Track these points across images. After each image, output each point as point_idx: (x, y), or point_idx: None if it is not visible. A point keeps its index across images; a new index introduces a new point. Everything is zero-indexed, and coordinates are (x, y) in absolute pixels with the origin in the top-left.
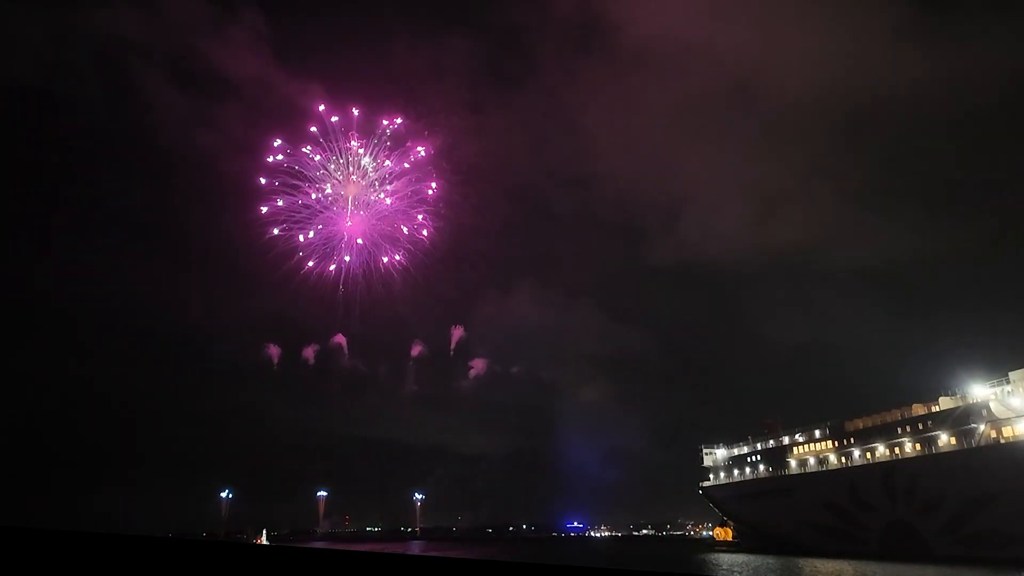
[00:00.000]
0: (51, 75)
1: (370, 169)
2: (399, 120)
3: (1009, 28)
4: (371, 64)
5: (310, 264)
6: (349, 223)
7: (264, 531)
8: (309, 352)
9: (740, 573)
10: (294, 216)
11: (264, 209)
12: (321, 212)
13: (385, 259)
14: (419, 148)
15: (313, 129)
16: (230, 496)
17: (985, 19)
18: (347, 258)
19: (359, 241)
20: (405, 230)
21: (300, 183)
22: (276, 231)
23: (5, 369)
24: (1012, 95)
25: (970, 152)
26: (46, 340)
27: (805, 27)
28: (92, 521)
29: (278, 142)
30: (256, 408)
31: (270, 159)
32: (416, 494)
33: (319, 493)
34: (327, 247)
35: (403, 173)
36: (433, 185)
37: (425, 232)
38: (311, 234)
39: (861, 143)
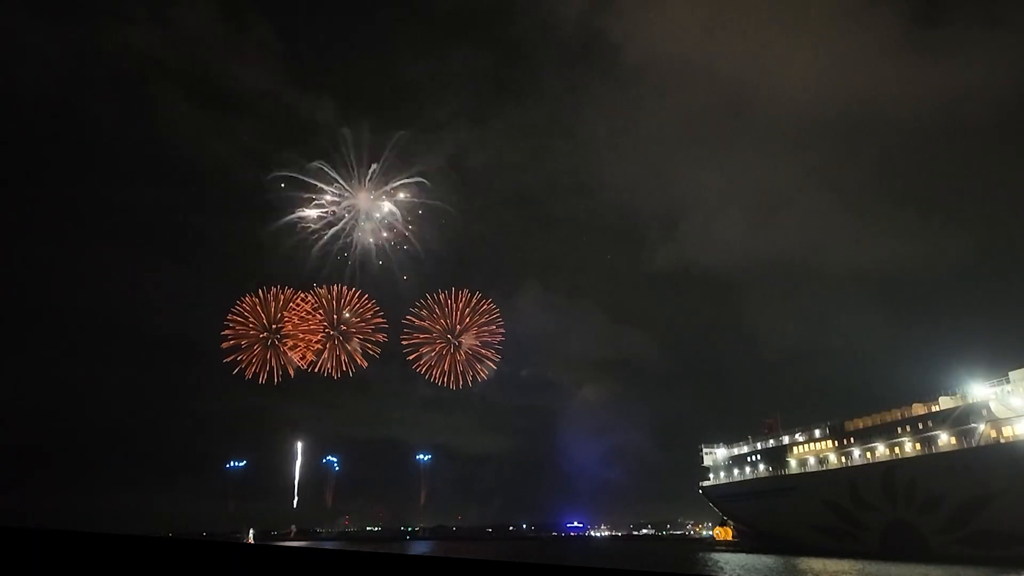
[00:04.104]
0: (70, 88)
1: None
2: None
3: (999, 43)
4: (378, 77)
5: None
6: (359, 228)
7: (251, 531)
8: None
9: (740, 573)
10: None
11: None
12: (332, 222)
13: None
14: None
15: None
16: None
17: (975, 35)
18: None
19: (371, 240)
20: (418, 245)
21: (312, 196)
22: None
23: (7, 369)
24: (1002, 107)
25: (962, 160)
26: (48, 341)
27: (799, 41)
28: (91, 521)
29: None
30: (259, 409)
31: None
32: (417, 494)
33: (322, 493)
34: (340, 244)
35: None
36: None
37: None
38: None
39: (855, 152)
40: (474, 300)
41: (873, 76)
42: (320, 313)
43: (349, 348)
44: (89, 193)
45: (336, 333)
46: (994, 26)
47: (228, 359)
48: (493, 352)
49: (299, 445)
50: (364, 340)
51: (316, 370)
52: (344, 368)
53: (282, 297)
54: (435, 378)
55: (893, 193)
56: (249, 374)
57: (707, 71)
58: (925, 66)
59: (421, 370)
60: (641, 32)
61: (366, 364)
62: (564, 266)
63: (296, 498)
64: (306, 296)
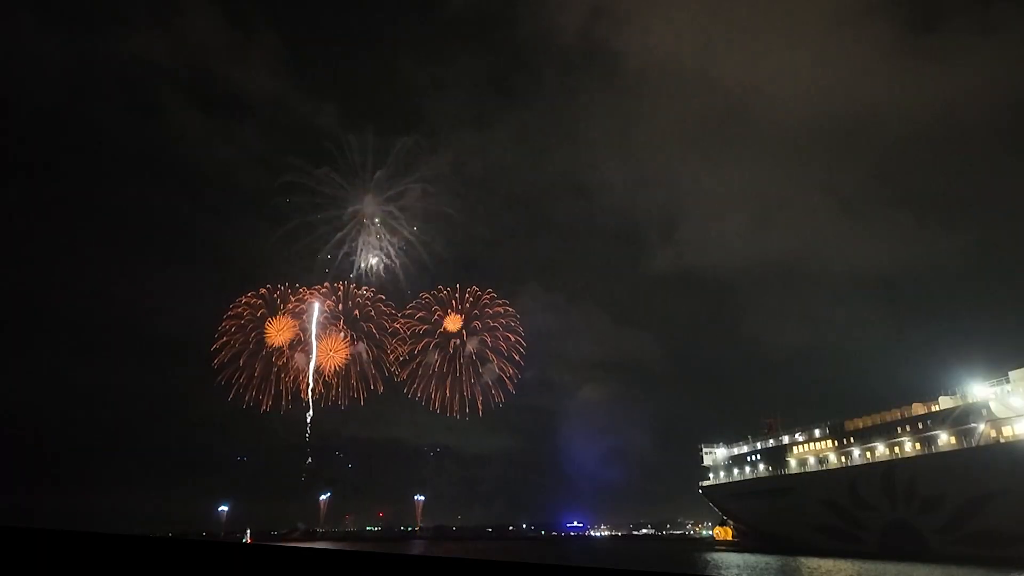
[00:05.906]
0: (77, 94)
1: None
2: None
3: (993, 48)
4: (382, 83)
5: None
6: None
7: (248, 531)
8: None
9: (740, 573)
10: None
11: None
12: (336, 227)
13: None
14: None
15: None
16: (226, 509)
17: (970, 40)
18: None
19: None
20: (421, 249)
21: (316, 201)
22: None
23: (10, 369)
24: (998, 110)
25: (959, 163)
26: (50, 341)
27: (797, 47)
28: (92, 521)
29: None
30: (258, 408)
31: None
32: (417, 494)
33: (322, 494)
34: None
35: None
36: (448, 209)
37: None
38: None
39: (853, 155)
40: (485, 298)
41: (870, 81)
42: (326, 316)
43: (358, 352)
44: (94, 196)
45: (352, 342)
46: (988, 32)
47: (221, 378)
48: (513, 369)
49: (307, 441)
50: (380, 355)
51: (325, 401)
52: (355, 395)
53: (292, 298)
54: (434, 403)
55: (891, 195)
56: (247, 400)
57: (706, 77)
58: (921, 71)
59: (418, 394)
60: (641, 40)
61: (382, 389)
62: (565, 268)
63: (300, 496)
64: (325, 298)
